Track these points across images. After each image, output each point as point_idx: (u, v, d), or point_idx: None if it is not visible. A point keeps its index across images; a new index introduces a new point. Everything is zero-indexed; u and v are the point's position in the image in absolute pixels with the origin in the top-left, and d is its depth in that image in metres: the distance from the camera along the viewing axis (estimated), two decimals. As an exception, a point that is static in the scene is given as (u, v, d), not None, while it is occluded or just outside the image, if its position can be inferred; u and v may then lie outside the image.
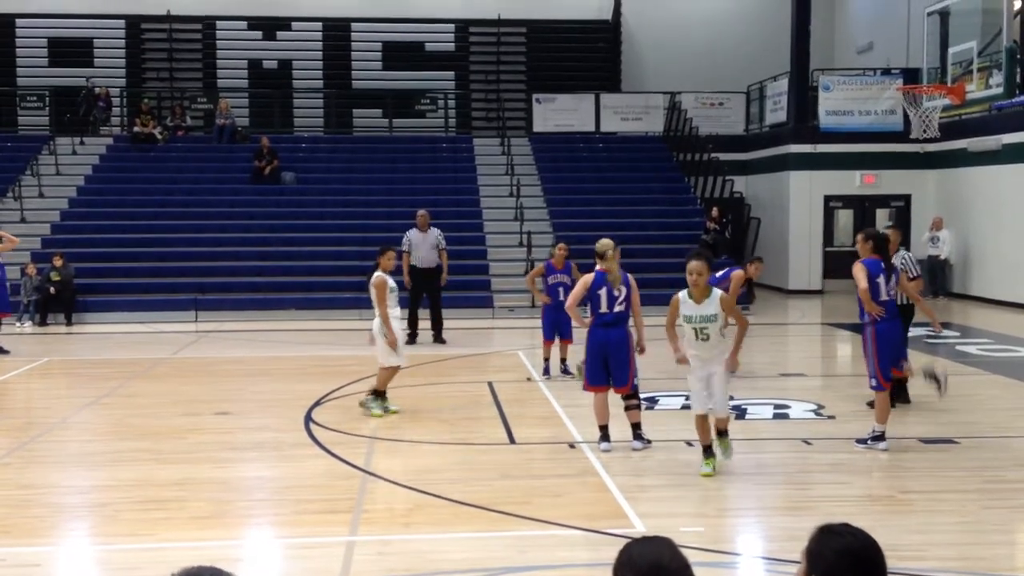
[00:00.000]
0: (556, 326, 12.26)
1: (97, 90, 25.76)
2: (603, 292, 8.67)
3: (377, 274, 10.08)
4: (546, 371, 12.38)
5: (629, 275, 8.85)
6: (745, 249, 23.15)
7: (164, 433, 9.67)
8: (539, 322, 12.84)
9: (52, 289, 18.23)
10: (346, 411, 10.39)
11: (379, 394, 10.24)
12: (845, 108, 23.15)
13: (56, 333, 17.71)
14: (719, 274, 12.55)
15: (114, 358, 14.90)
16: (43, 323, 18.20)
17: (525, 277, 12.75)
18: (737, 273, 12.13)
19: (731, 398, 10.28)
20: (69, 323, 18.32)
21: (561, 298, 12.12)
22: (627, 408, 8.73)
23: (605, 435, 8.71)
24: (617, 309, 8.63)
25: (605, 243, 8.77)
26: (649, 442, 8.77)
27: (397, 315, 10.20)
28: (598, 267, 8.75)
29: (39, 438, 9.69)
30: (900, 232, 11.20)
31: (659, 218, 22.30)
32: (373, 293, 10.04)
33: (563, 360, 12.40)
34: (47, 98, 26.32)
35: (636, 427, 8.75)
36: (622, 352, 8.58)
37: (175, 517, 7.06)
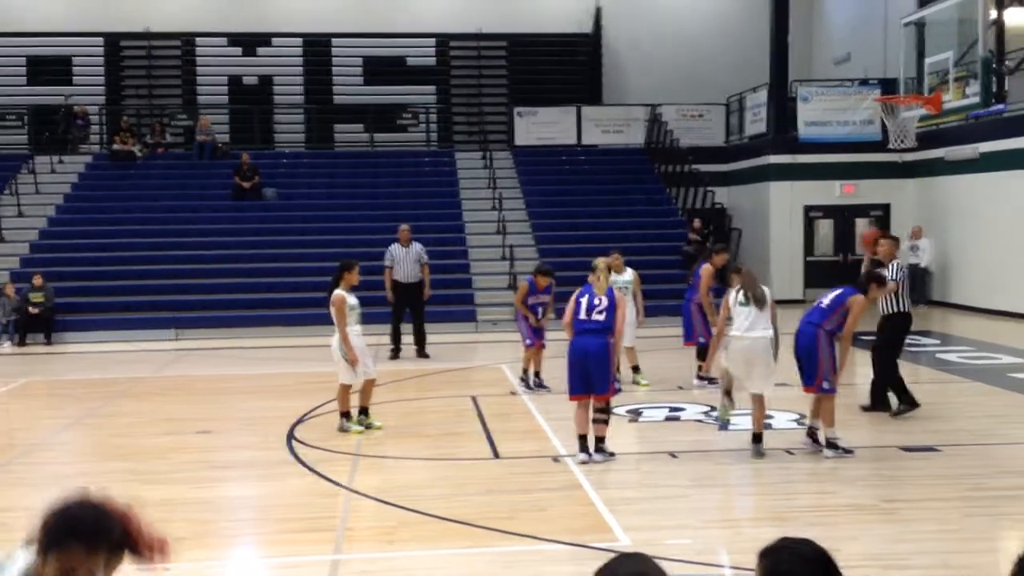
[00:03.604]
0: (538, 335, 12.35)
1: (76, 108, 25.66)
2: (584, 300, 8.82)
3: (336, 291, 10.01)
4: (524, 379, 12.41)
5: (616, 292, 8.97)
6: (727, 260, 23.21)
7: (145, 453, 9.60)
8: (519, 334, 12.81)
9: (33, 309, 18.10)
10: (329, 428, 10.34)
11: (345, 415, 10.19)
12: (824, 119, 23.28)
13: (35, 353, 17.58)
14: (691, 283, 12.68)
15: (95, 378, 14.81)
16: (22, 343, 18.06)
17: (514, 299, 12.80)
18: (705, 267, 12.24)
19: (712, 408, 10.29)
20: (49, 343, 18.18)
21: (539, 315, 12.37)
22: (595, 421, 8.75)
23: (583, 446, 8.74)
24: (595, 317, 8.68)
25: (597, 261, 9.18)
26: (612, 455, 8.79)
27: (358, 331, 10.09)
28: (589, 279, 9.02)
29: (19, 460, 9.61)
30: (895, 241, 11.10)
31: (641, 230, 22.35)
32: (333, 311, 10.00)
33: (537, 373, 12.43)
34: (25, 116, 26.20)
35: (600, 440, 8.78)
36: (602, 362, 8.60)
37: (157, 538, 6.99)
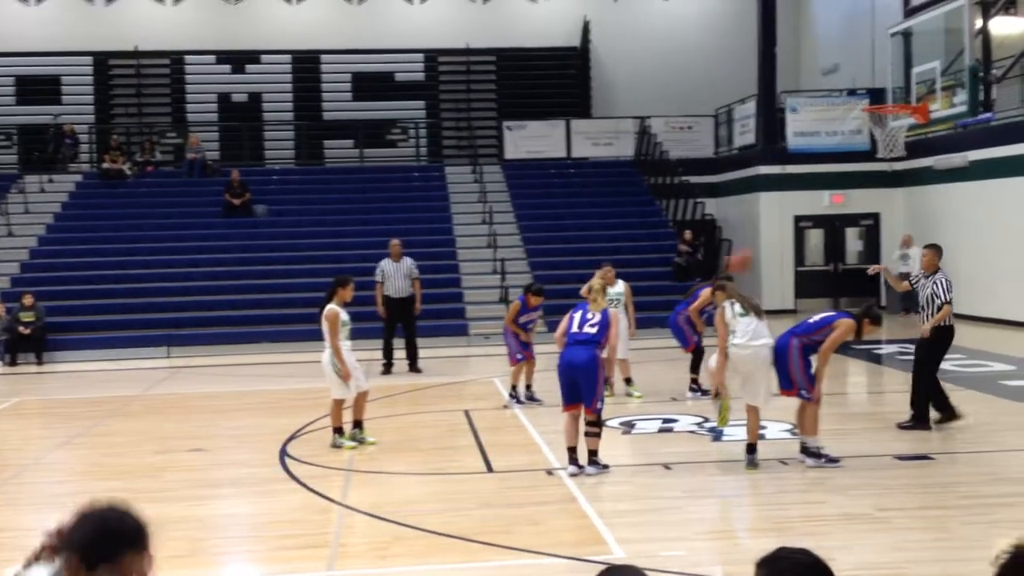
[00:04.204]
0: (527, 348, 12.39)
1: (65, 127, 25.64)
2: (578, 315, 8.95)
3: (330, 306, 10.01)
4: (513, 395, 12.40)
5: (610, 311, 9.08)
6: (718, 271, 23.25)
7: (138, 471, 9.56)
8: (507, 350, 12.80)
9: (23, 329, 18.03)
10: (322, 444, 10.31)
11: (338, 430, 10.17)
12: (812, 129, 23.37)
13: (27, 373, 17.51)
14: (688, 298, 12.67)
15: (86, 397, 14.74)
16: (13, 363, 17.99)
17: (505, 317, 12.76)
18: (708, 290, 12.28)
19: (705, 420, 10.30)
20: (40, 362, 18.10)
21: (528, 331, 12.45)
22: (587, 434, 8.76)
23: (572, 458, 8.74)
24: (587, 330, 8.75)
25: (593, 282, 9.51)
26: (606, 467, 8.79)
27: (348, 347, 10.08)
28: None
29: (11, 480, 9.56)
30: (935, 251, 10.67)
31: (632, 242, 22.38)
32: (325, 326, 9.99)
33: (528, 386, 12.43)
34: (15, 136, 26.17)
35: (592, 453, 8.78)
36: (590, 374, 8.62)
37: (150, 557, 6.96)
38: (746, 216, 24.33)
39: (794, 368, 8.82)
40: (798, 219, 23.69)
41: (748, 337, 8.80)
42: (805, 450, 8.99)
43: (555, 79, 29.16)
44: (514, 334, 12.31)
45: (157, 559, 7.42)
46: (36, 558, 2.67)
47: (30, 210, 23.11)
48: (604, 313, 8.91)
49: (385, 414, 11.90)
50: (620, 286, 12.71)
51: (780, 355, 8.90)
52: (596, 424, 8.76)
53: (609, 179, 25.48)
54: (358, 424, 10.29)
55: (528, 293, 12.39)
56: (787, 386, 8.96)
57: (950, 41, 19.03)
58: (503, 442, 10.43)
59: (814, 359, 8.95)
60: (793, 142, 23.36)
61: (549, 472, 8.96)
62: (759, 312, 8.94)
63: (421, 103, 28.68)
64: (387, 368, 15.53)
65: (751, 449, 8.89)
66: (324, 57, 28.56)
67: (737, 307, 8.95)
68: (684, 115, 26.74)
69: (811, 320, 9.09)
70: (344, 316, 10.01)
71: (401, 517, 7.58)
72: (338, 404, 10.14)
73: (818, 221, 23.83)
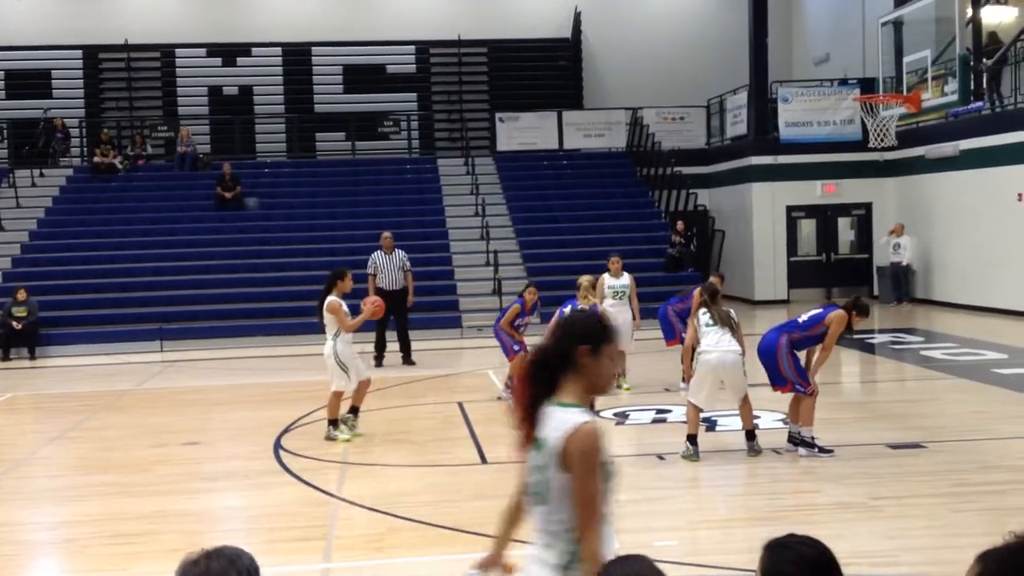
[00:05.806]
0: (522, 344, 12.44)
1: (55, 121, 25.55)
2: (568, 309, 8.99)
3: (331, 298, 10.05)
4: (509, 386, 12.44)
5: (600, 306, 9.16)
6: (711, 262, 23.31)
7: (132, 465, 9.56)
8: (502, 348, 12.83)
9: (16, 324, 17.99)
10: (316, 437, 10.32)
11: (333, 422, 10.19)
12: (804, 119, 23.38)
13: (19, 368, 17.48)
14: (683, 296, 12.67)
15: (79, 391, 14.72)
16: (6, 358, 17.95)
17: (502, 321, 12.67)
18: (697, 292, 12.33)
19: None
20: (33, 357, 18.07)
21: (521, 331, 12.49)
22: None
23: None
24: None
25: (581, 279, 10.03)
26: None
27: (348, 340, 10.14)
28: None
29: (5, 475, 9.55)
30: None
31: (624, 233, 22.39)
32: (331, 318, 9.99)
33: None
34: (5, 130, 26.08)
35: None
36: None
37: (145, 551, 6.98)
38: (738, 206, 24.36)
39: (784, 367, 8.86)
40: (790, 209, 23.71)
41: (713, 344, 8.90)
42: (793, 439, 9.03)
43: (547, 70, 29.11)
44: (508, 333, 12.38)
45: (153, 553, 7.38)
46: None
47: (21, 204, 23.03)
48: (593, 308, 9.01)
49: (379, 407, 11.91)
50: (626, 278, 12.74)
51: (768, 354, 8.94)
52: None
53: (601, 170, 25.49)
54: (354, 410, 10.33)
55: (524, 293, 12.46)
56: (780, 383, 8.99)
57: (940, 30, 19.02)
58: (497, 433, 10.42)
59: (801, 355, 8.99)
60: (785, 132, 23.37)
61: (543, 463, 8.97)
62: (728, 324, 8.96)
63: (413, 95, 28.63)
64: (379, 361, 15.53)
65: (750, 435, 9.00)
66: (315, 49, 28.48)
67: (707, 318, 8.99)
68: (676, 106, 26.73)
69: (801, 319, 9.09)
70: (344, 307, 10.05)
71: (396, 509, 7.59)
72: (337, 396, 10.14)
73: (810, 211, 23.86)
